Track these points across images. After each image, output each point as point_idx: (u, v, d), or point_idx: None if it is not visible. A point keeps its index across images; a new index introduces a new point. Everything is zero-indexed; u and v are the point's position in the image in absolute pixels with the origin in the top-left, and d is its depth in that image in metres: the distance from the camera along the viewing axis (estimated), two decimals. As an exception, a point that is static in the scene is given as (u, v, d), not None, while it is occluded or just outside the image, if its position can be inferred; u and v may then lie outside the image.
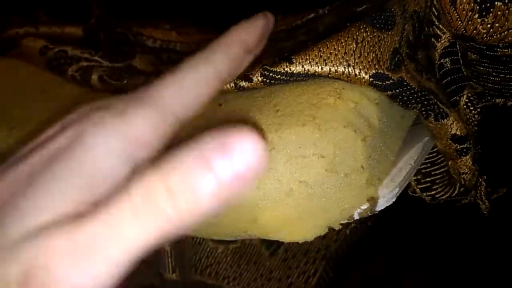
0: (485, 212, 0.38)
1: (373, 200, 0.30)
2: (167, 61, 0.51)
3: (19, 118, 0.43)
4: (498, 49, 0.31)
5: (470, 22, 0.30)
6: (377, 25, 0.31)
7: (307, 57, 0.30)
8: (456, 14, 0.30)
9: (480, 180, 0.37)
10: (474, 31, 0.30)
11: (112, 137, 0.19)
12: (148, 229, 0.17)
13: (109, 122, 0.20)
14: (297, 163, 0.29)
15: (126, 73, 0.43)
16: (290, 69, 0.31)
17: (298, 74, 0.31)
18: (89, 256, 0.16)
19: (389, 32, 0.31)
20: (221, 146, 0.17)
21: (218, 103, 0.34)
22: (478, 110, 0.34)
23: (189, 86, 0.22)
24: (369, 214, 0.30)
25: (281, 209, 0.29)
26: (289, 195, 0.29)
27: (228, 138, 0.17)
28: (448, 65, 0.34)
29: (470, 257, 0.49)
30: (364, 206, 0.30)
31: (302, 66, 0.30)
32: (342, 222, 0.30)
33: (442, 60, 0.34)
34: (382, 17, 0.31)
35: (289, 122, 0.29)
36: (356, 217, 0.30)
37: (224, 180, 0.17)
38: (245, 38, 0.25)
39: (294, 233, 0.30)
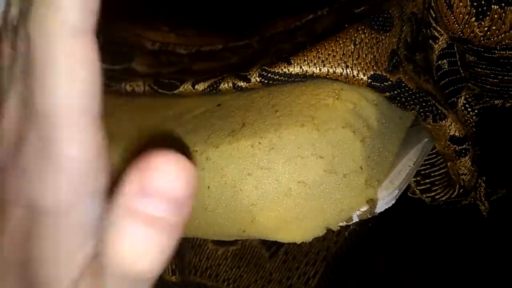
0: (484, 213, 0.38)
1: (372, 202, 0.30)
2: (166, 63, 0.51)
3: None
4: (496, 51, 0.31)
5: (467, 25, 0.30)
6: (375, 27, 0.31)
7: (305, 58, 0.30)
8: (453, 17, 0.30)
9: (480, 181, 0.37)
10: (471, 34, 0.30)
11: (66, 194, 0.18)
12: None
13: (45, 180, 0.18)
14: (296, 164, 0.29)
15: (125, 75, 0.43)
16: (288, 70, 0.31)
17: (296, 75, 0.31)
18: None
19: (387, 34, 0.31)
20: (142, 190, 0.17)
21: (217, 103, 0.34)
22: (476, 111, 0.34)
23: None
24: (369, 216, 0.30)
25: (279, 209, 0.29)
26: (288, 195, 0.29)
27: (146, 178, 0.16)
28: (446, 67, 0.34)
29: (470, 258, 0.49)
30: (363, 208, 0.30)
31: (300, 67, 0.31)
32: (341, 223, 0.30)
33: (439, 62, 0.34)
34: (380, 18, 0.31)
35: (288, 123, 0.29)
36: (356, 219, 0.30)
37: (164, 217, 0.17)
38: None
39: (292, 233, 0.30)
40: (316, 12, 0.51)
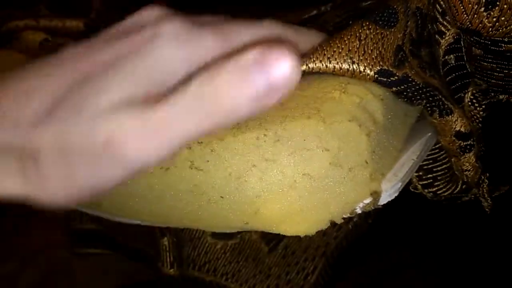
0: (487, 209, 0.38)
1: (376, 194, 0.29)
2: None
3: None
4: (503, 44, 0.31)
5: (475, 16, 0.30)
6: (380, 22, 0.31)
7: (311, 56, 0.30)
8: (462, 7, 0.30)
9: (483, 177, 0.37)
10: (480, 25, 0.30)
11: (181, 49, 0.24)
12: (196, 120, 0.21)
13: (182, 38, 0.24)
14: (301, 156, 0.29)
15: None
16: None
17: (303, 72, 0.30)
18: (155, 135, 0.21)
19: (392, 29, 0.31)
20: (260, 61, 0.20)
21: None
22: (483, 106, 0.34)
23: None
24: (372, 208, 0.30)
25: (284, 201, 0.29)
26: (292, 188, 0.29)
27: (267, 55, 0.20)
28: (453, 62, 0.34)
29: (471, 255, 0.49)
30: (367, 200, 0.29)
31: (306, 65, 0.30)
32: (344, 216, 0.30)
33: (446, 57, 0.34)
34: (385, 14, 0.31)
35: (294, 115, 0.29)
36: (359, 211, 0.30)
37: (260, 90, 0.20)
38: None
39: (296, 226, 0.30)
40: (319, 8, 0.51)
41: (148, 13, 0.26)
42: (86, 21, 0.53)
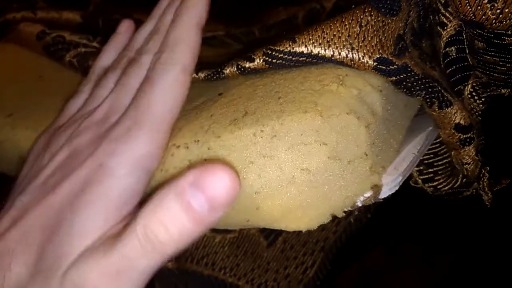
0: (487, 203, 0.37)
1: (377, 188, 0.29)
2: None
3: (15, 104, 0.43)
4: (506, 38, 0.31)
5: (479, 7, 0.30)
6: (382, 10, 0.30)
7: (311, 37, 0.30)
8: (465, -2, 0.30)
9: (483, 171, 0.36)
10: (483, 17, 0.30)
11: (127, 162, 0.26)
12: (151, 256, 0.22)
13: (121, 151, 0.26)
14: (299, 151, 0.28)
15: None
16: (293, 48, 0.30)
17: (301, 54, 0.30)
18: (118, 277, 0.22)
19: (394, 18, 0.31)
20: (196, 183, 0.22)
21: (218, 92, 0.34)
22: (483, 99, 0.34)
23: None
24: (372, 202, 0.29)
25: (283, 197, 0.28)
26: (291, 183, 0.28)
27: (202, 175, 0.22)
28: (454, 54, 0.34)
29: (471, 250, 0.48)
30: (368, 194, 0.29)
31: (305, 46, 0.30)
32: (345, 209, 0.29)
33: (447, 49, 0.34)
34: (388, 1, 0.30)
35: (291, 109, 0.29)
36: (359, 204, 0.29)
37: (199, 211, 0.22)
38: None
39: (297, 221, 0.29)
40: (319, 1, 0.51)
41: (77, 142, 0.29)
42: (84, 13, 0.53)
